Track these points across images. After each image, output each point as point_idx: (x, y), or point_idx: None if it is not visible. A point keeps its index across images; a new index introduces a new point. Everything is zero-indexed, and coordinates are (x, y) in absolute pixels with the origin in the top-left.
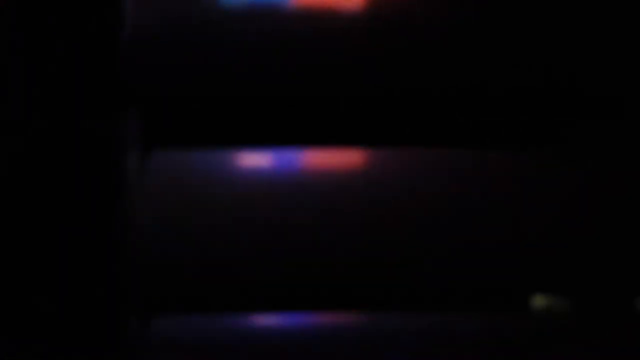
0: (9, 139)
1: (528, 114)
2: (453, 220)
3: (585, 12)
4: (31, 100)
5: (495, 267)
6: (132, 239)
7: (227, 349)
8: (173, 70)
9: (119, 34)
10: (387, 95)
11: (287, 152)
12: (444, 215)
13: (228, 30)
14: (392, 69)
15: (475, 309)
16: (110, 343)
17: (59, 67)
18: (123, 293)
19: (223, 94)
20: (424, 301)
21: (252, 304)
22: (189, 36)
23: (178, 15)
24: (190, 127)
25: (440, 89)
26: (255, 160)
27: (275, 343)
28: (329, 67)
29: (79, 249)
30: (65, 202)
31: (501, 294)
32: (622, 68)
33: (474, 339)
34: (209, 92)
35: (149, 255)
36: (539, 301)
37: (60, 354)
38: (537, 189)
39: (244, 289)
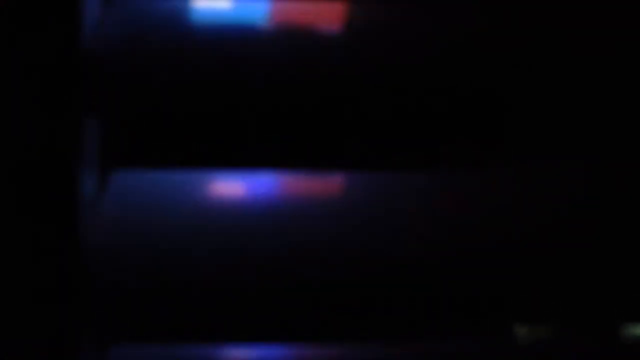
0: None
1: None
2: (430, 246)
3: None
4: None
5: (477, 293)
6: (89, 265)
7: None
8: (136, 84)
9: (78, 41)
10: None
11: (258, 175)
12: (419, 241)
13: (198, 42)
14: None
15: (457, 336)
16: None
17: (12, 75)
18: (79, 320)
19: (191, 110)
20: (403, 329)
21: (220, 335)
22: (157, 47)
23: (145, 25)
24: (155, 145)
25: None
26: (223, 182)
27: None
28: (298, 84)
29: (32, 275)
30: (16, 224)
31: (484, 321)
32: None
33: None
34: (176, 107)
35: (107, 282)
36: (522, 328)
37: None
38: (517, 210)
39: (208, 319)
